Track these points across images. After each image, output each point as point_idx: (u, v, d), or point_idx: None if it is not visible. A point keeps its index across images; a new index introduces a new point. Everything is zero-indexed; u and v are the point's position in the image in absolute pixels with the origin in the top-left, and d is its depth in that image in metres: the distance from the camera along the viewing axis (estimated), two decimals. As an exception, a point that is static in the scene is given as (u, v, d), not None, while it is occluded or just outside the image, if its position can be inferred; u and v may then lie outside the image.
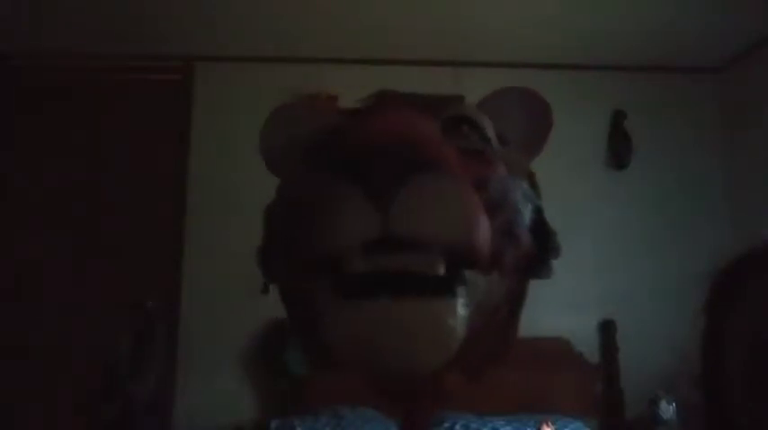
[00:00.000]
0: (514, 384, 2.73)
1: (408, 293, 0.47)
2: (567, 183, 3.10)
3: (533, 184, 0.69)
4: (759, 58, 3.03)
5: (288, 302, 0.69)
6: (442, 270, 0.48)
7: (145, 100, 3.14)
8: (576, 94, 3.15)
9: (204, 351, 2.89)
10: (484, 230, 0.50)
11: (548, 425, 2.45)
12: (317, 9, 2.69)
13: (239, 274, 2.97)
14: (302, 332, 0.70)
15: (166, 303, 2.92)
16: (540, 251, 0.63)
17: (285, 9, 2.69)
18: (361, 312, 0.47)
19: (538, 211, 0.65)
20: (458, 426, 2.46)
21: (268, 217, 0.69)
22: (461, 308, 0.49)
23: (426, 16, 2.74)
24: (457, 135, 0.60)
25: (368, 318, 0.47)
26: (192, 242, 3.00)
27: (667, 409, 2.61)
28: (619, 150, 3.16)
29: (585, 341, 3.00)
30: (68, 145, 3.09)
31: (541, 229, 0.64)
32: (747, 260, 0.66)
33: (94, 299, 2.90)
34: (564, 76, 3.18)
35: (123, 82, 3.19)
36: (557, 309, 3.00)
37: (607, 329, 3.02)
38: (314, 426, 2.50)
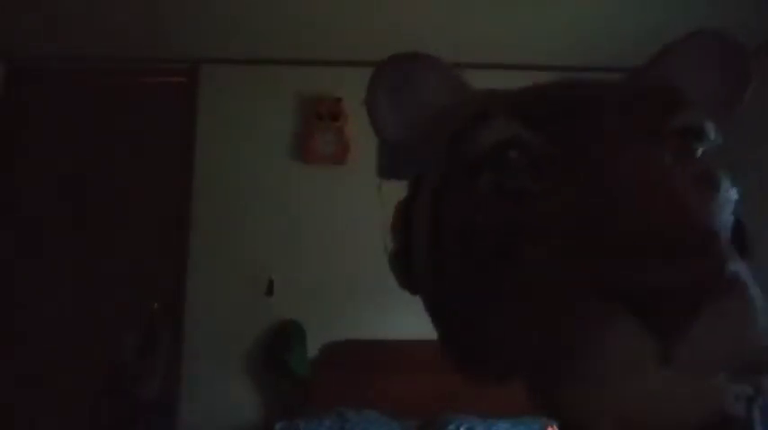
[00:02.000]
0: (519, 386, 2.73)
1: None
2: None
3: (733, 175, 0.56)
4: (762, 59, 3.02)
5: (448, 314, 0.53)
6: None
7: (150, 102, 3.15)
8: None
9: (209, 352, 2.90)
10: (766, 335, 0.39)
11: (553, 428, 2.44)
12: (321, 12, 2.69)
13: (244, 276, 2.99)
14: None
15: (172, 305, 2.93)
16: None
17: (289, 12, 2.69)
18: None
19: (737, 210, 0.55)
20: (462, 429, 2.46)
21: (406, 218, 0.57)
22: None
23: (428, 18, 2.74)
24: (685, 156, 0.47)
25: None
26: (197, 244, 3.01)
27: (672, 412, 2.60)
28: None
29: (590, 343, 2.99)
30: (73, 147, 3.10)
31: (738, 229, 0.55)
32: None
33: (100, 300, 2.91)
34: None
35: (129, 84, 3.21)
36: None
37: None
38: (318, 428, 2.50)
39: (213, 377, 2.88)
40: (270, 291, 2.96)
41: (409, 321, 3.07)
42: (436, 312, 0.56)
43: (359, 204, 2.86)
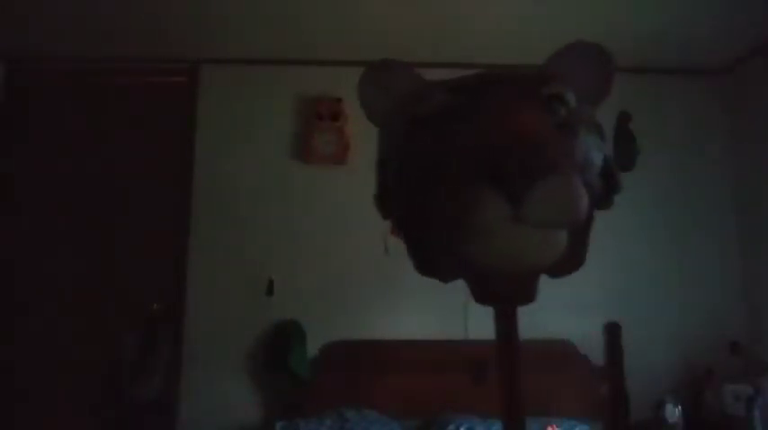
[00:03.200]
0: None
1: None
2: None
3: (602, 135, 0.85)
4: (764, 60, 3.02)
5: (411, 228, 0.83)
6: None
7: (151, 101, 3.15)
8: (581, 95, 3.15)
9: (209, 352, 2.90)
10: (585, 210, 0.65)
11: (552, 428, 2.45)
12: (320, 12, 2.70)
13: (244, 276, 2.99)
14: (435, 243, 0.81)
15: (172, 305, 2.93)
16: (606, 188, 0.81)
17: (289, 12, 2.69)
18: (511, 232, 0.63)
19: (606, 158, 0.82)
20: (462, 429, 2.46)
21: (381, 167, 0.86)
22: (564, 235, 0.68)
23: (427, 18, 2.74)
24: (551, 111, 0.74)
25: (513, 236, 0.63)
26: (197, 244, 3.01)
27: (673, 412, 2.60)
28: (624, 152, 3.15)
29: (590, 343, 2.98)
30: (74, 147, 3.10)
31: (608, 172, 0.81)
32: None
33: (100, 301, 2.91)
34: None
35: (129, 84, 3.21)
36: (562, 312, 2.99)
37: (612, 331, 3.00)
38: (318, 428, 2.50)
39: (213, 377, 2.88)
40: (270, 290, 2.96)
41: (409, 321, 3.08)
42: (402, 231, 0.83)
43: (359, 204, 2.85)
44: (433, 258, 0.81)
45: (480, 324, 2.89)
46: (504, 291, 0.83)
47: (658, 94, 3.26)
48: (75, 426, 2.69)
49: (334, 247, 3.03)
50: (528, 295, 0.85)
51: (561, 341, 2.94)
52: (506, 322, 0.87)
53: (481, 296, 0.86)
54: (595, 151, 0.78)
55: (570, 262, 0.82)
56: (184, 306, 2.94)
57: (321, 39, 2.96)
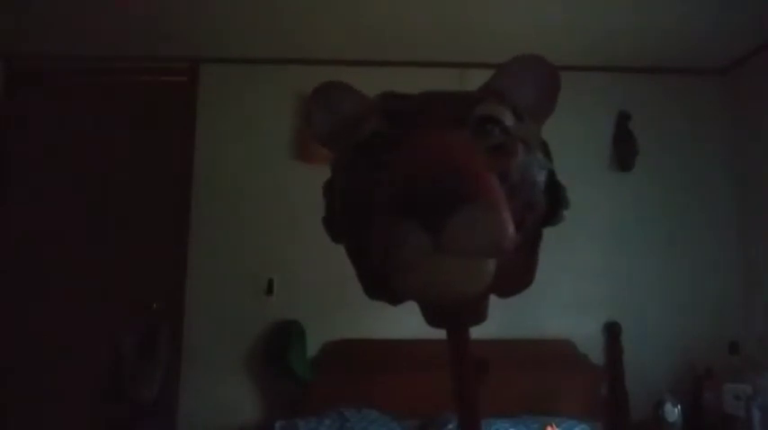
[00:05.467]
0: (519, 386, 2.73)
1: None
2: (571, 185, 3.07)
3: (546, 152, 0.83)
4: (764, 59, 3.02)
5: (355, 255, 0.84)
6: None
7: (150, 101, 3.15)
8: (581, 95, 3.15)
9: (209, 352, 2.90)
10: (511, 238, 0.63)
11: (552, 428, 2.45)
12: (321, 11, 2.69)
13: (244, 276, 2.99)
14: (371, 275, 0.84)
15: (171, 304, 2.93)
16: (553, 205, 0.79)
17: (288, 11, 2.69)
18: (432, 264, 0.62)
19: (551, 174, 0.80)
20: (462, 428, 2.46)
21: (328, 191, 0.89)
22: (492, 263, 0.65)
23: (431, 17, 2.74)
24: (483, 133, 0.73)
25: (436, 267, 0.62)
26: (197, 243, 3.01)
27: (672, 412, 2.60)
28: (623, 152, 3.15)
29: (590, 343, 2.99)
30: (74, 146, 3.10)
31: (554, 188, 0.80)
32: None
33: (100, 300, 2.91)
34: (568, 77, 3.13)
35: (129, 84, 3.21)
36: (561, 311, 2.99)
37: (612, 331, 3.01)
38: (318, 428, 2.50)
39: (213, 377, 2.88)
40: (270, 290, 2.96)
41: (409, 321, 3.07)
42: (350, 256, 0.84)
43: (359, 204, 2.85)
44: (378, 285, 0.81)
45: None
46: (453, 314, 0.82)
47: (658, 93, 3.26)
48: (75, 426, 2.69)
49: (334, 247, 3.01)
50: (477, 316, 0.85)
51: (561, 341, 2.94)
52: (457, 344, 0.88)
53: (431, 320, 0.87)
54: (537, 169, 0.77)
55: (519, 281, 0.82)
56: (184, 306, 2.94)
57: (321, 39, 2.96)
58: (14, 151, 3.11)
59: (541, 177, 0.78)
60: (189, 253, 2.99)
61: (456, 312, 0.82)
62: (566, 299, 3.00)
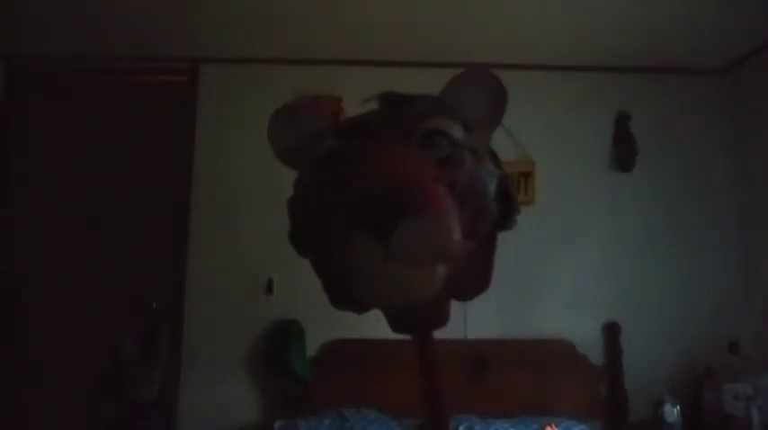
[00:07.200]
0: (518, 386, 2.73)
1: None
2: (571, 185, 3.09)
3: (496, 160, 0.87)
4: (764, 59, 3.02)
5: (319, 268, 0.89)
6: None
7: (150, 101, 3.15)
8: (581, 95, 3.15)
9: (208, 352, 2.90)
10: (458, 246, 0.66)
11: (552, 428, 2.45)
12: (322, 11, 2.69)
13: (244, 276, 2.99)
14: (335, 286, 0.88)
15: (171, 304, 2.93)
16: (505, 210, 0.83)
17: (288, 11, 2.69)
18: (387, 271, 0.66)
19: (501, 181, 0.84)
20: (461, 428, 2.46)
21: (292, 208, 0.94)
22: (441, 269, 0.69)
23: (430, 18, 2.74)
24: (431, 146, 0.77)
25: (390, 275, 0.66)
26: (197, 243, 3.01)
27: (672, 412, 2.60)
28: (623, 152, 3.15)
29: (589, 343, 2.99)
30: (73, 146, 3.10)
31: (505, 194, 0.83)
32: None
33: (100, 300, 2.91)
34: (568, 77, 3.17)
35: (129, 84, 3.21)
36: (561, 311, 2.99)
37: (611, 331, 3.01)
38: (318, 428, 2.50)
39: (213, 376, 2.88)
40: (269, 290, 2.96)
41: (409, 321, 3.08)
42: (315, 269, 0.90)
43: (359, 204, 2.85)
44: (341, 295, 0.86)
45: (479, 323, 2.90)
46: (414, 319, 0.87)
47: (658, 93, 3.26)
48: (75, 426, 2.69)
49: (334, 247, 3.02)
50: (439, 320, 0.90)
51: (560, 341, 2.94)
52: (421, 348, 0.93)
53: (394, 326, 0.92)
54: (487, 177, 0.81)
55: (477, 284, 0.85)
56: (184, 305, 2.94)
57: (321, 39, 2.96)
58: (14, 151, 3.11)
59: (492, 185, 0.81)
60: (189, 253, 2.99)
61: (414, 317, 0.87)
62: (565, 299, 3.00)
